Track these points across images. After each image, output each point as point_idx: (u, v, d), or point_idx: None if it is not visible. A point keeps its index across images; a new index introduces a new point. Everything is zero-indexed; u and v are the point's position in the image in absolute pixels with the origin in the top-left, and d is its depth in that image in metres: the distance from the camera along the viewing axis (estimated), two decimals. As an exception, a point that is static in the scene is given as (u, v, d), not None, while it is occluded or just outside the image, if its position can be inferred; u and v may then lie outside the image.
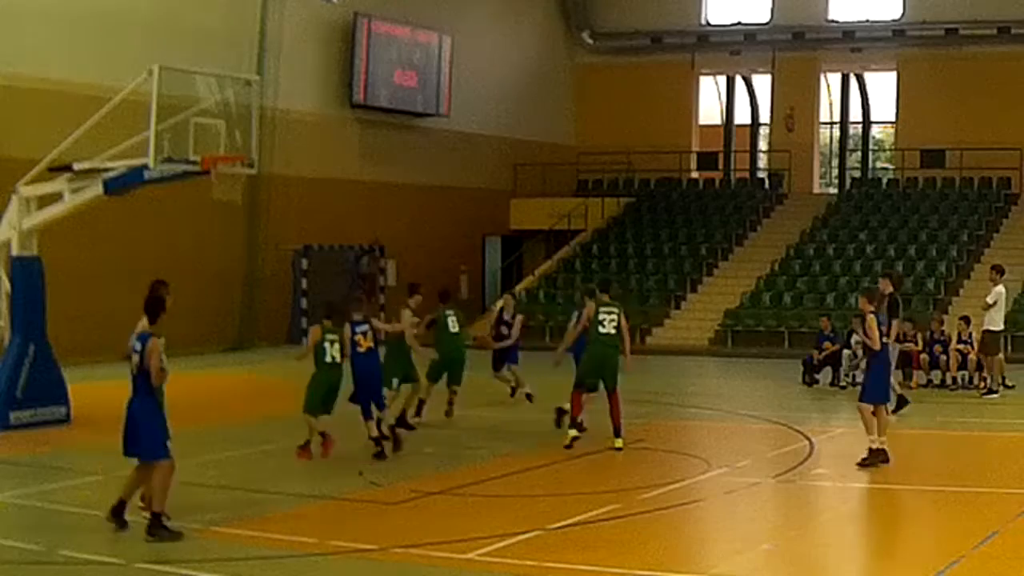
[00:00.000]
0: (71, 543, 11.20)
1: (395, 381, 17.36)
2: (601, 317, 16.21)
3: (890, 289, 20.12)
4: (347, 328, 15.49)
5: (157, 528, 11.23)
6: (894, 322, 19.69)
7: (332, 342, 15.29)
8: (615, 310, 16.33)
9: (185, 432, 14.90)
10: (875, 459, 14.89)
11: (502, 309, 21.08)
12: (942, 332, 23.68)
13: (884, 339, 15.31)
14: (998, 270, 22.46)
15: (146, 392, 11.46)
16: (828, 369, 23.64)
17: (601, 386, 16.38)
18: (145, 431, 11.46)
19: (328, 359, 15.27)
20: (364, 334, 15.53)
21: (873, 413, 15.17)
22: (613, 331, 16.23)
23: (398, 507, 12.85)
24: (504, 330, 20.65)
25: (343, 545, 11.12)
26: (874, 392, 15.28)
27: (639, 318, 33.56)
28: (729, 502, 13.52)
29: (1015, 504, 12.72)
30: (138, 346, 11.46)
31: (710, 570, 10.64)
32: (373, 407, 15.64)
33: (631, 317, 33.71)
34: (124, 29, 27.21)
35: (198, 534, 11.47)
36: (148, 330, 11.53)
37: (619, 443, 16.03)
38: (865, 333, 15.26)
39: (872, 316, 15.19)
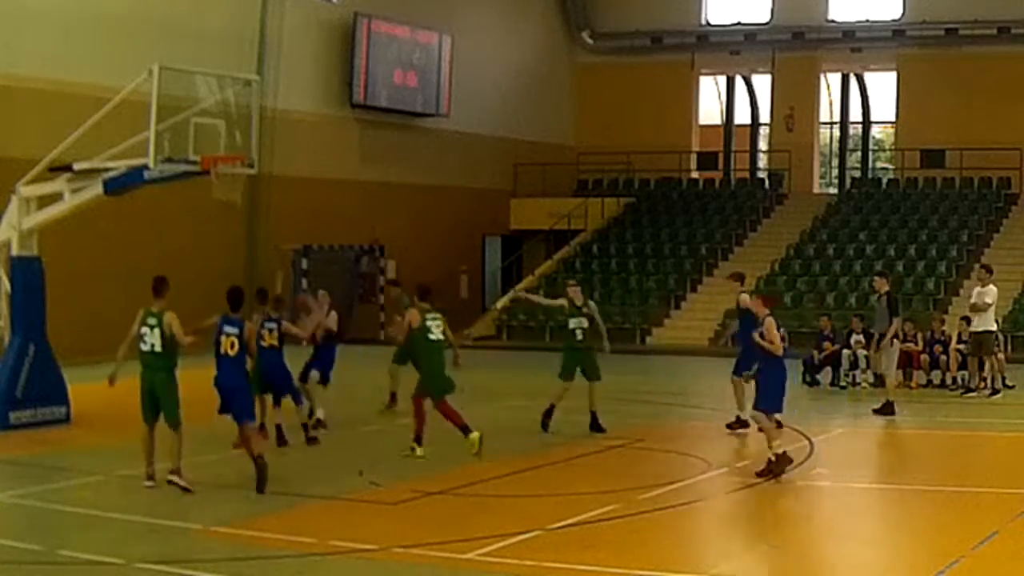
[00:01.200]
0: (71, 543, 11.21)
1: None
2: (429, 324, 15.89)
3: (886, 288, 20.18)
4: (256, 321, 15.91)
5: (264, 471, 13.48)
6: (895, 320, 19.74)
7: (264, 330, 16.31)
8: (439, 316, 16.09)
9: (185, 432, 14.93)
10: (781, 465, 14.18)
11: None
12: (942, 332, 23.67)
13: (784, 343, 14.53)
14: (988, 270, 22.49)
15: (244, 365, 13.82)
16: (828, 369, 23.63)
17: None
18: (242, 397, 13.91)
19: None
20: (271, 331, 16.17)
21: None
22: (443, 337, 15.98)
23: (398, 507, 12.86)
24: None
25: (343, 545, 11.11)
26: (770, 398, 14.55)
27: (638, 318, 33.65)
28: (729, 502, 13.52)
29: (1015, 504, 12.72)
30: (230, 330, 13.79)
31: (710, 570, 10.64)
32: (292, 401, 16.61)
33: (630, 317, 33.90)
34: (124, 29, 27.21)
35: (198, 534, 11.47)
36: (235, 316, 13.92)
37: (475, 435, 15.51)
38: (763, 337, 14.35)
39: (771, 319, 14.50)
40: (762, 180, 41.37)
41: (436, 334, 15.90)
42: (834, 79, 42.05)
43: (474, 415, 19.14)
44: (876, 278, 21.13)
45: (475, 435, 15.53)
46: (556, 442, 16.58)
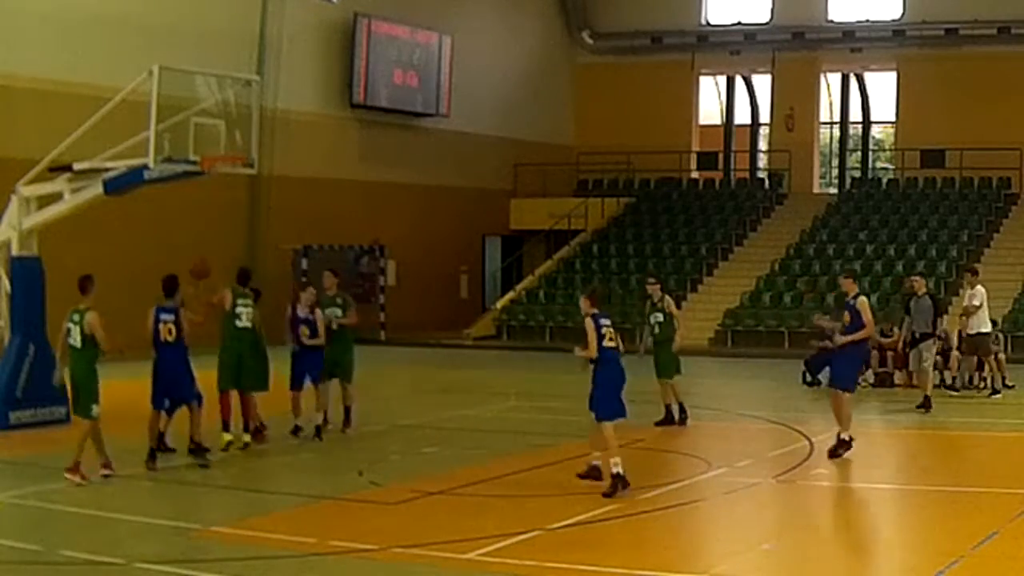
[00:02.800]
0: (71, 543, 11.20)
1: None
2: (238, 311, 15.52)
3: (924, 289, 20.32)
4: (151, 314, 14.60)
5: (199, 453, 14.56)
6: (938, 320, 19.87)
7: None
8: (251, 302, 15.75)
9: (184, 432, 14.94)
10: (617, 486, 13.05)
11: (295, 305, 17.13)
12: (943, 332, 23.63)
13: (608, 343, 13.21)
14: (973, 272, 22.62)
15: (183, 349, 14.47)
16: (828, 369, 23.57)
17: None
18: (184, 381, 14.53)
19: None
20: (166, 323, 14.54)
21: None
22: (249, 325, 15.60)
23: (398, 507, 12.85)
24: (306, 330, 16.94)
25: (343, 545, 11.11)
26: (607, 404, 13.39)
27: (639, 318, 33.55)
28: (729, 502, 13.51)
29: (1015, 504, 12.71)
30: (166, 317, 14.38)
31: (710, 570, 10.64)
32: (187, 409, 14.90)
33: (631, 317, 33.88)
34: (124, 29, 27.22)
35: (198, 534, 11.47)
36: (170, 303, 14.50)
37: (229, 436, 15.31)
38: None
39: (591, 319, 13.29)
40: (762, 180, 41.37)
41: (244, 321, 15.58)
42: (834, 79, 42.04)
43: (474, 415, 19.18)
44: (916, 278, 21.27)
45: (229, 436, 15.34)
46: (555, 442, 16.56)
